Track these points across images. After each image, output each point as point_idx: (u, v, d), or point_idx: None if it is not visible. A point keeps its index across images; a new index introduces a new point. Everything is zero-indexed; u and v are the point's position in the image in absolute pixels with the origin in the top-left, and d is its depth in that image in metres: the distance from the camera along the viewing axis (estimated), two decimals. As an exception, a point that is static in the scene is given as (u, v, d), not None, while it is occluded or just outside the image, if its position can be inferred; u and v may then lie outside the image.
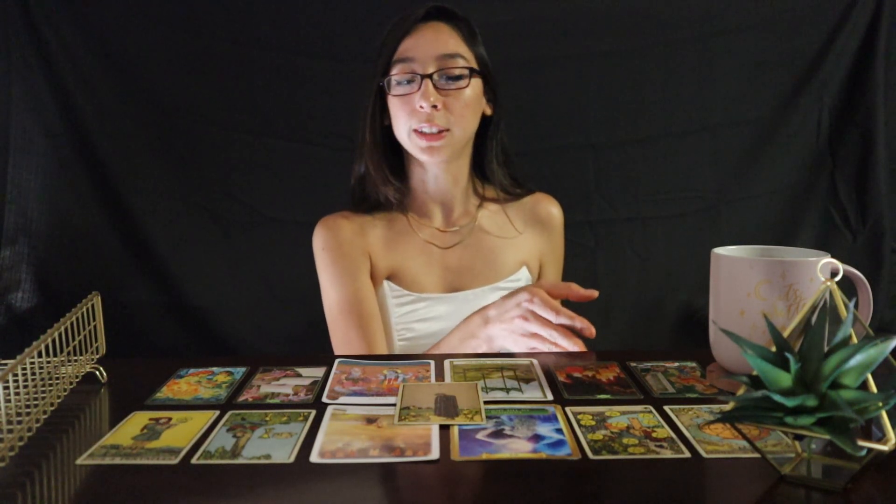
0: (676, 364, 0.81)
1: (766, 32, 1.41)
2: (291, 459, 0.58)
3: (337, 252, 1.06)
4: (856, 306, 0.56)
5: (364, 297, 1.04)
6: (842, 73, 1.42)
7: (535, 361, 0.82)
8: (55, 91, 1.34)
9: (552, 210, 1.16)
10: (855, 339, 0.51)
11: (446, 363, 0.81)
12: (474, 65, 1.03)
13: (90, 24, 1.34)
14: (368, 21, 1.38)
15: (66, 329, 0.72)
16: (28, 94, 1.33)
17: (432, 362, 0.82)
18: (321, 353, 1.07)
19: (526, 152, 1.41)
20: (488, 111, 1.08)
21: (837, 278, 0.56)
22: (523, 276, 1.09)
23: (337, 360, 0.82)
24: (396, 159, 1.09)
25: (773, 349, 0.52)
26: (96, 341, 0.81)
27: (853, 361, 0.49)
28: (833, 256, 0.64)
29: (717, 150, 1.44)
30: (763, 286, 0.68)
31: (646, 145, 1.43)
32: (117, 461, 0.58)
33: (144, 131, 1.38)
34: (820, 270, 0.57)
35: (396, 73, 1.00)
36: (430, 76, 0.98)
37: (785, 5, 1.40)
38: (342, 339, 1.04)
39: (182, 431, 0.63)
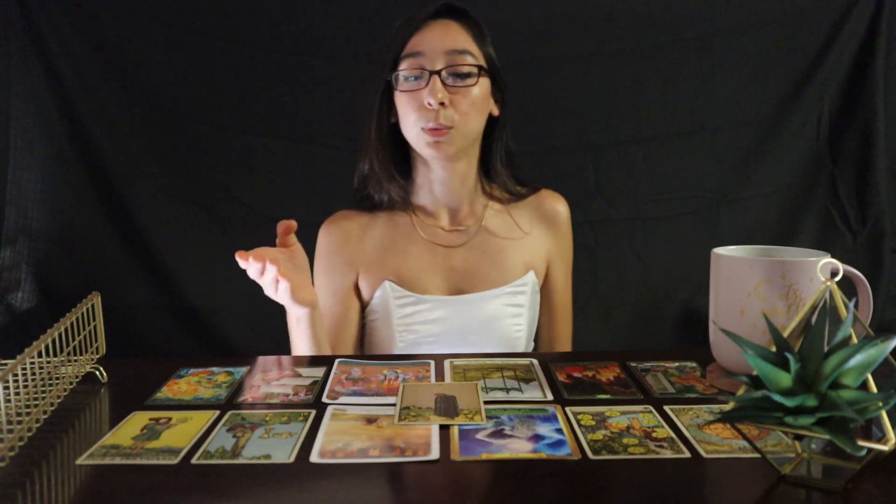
0: (676, 364, 0.81)
1: (765, 32, 1.41)
2: (291, 459, 0.58)
3: (326, 262, 1.09)
4: (856, 306, 0.56)
5: (330, 314, 1.07)
6: (842, 73, 1.41)
7: (534, 361, 0.82)
8: (55, 91, 1.33)
9: (558, 207, 1.15)
10: (855, 339, 0.51)
11: (446, 363, 0.81)
12: (483, 63, 1.02)
13: (90, 24, 1.34)
14: (369, 21, 1.38)
15: (66, 329, 0.72)
16: (28, 94, 1.33)
17: (432, 362, 0.82)
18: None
19: (526, 152, 1.39)
20: (495, 112, 1.07)
21: (837, 278, 0.56)
22: (529, 281, 1.08)
23: (337, 361, 0.83)
24: (402, 157, 1.09)
25: (773, 349, 0.52)
26: (96, 341, 0.81)
27: (853, 361, 0.49)
28: (833, 256, 0.64)
29: (717, 150, 1.44)
30: (763, 286, 0.68)
31: (646, 145, 1.43)
32: (117, 461, 0.58)
33: (144, 131, 1.38)
34: (820, 270, 0.57)
35: (405, 68, 1.00)
36: (438, 73, 0.98)
37: (785, 5, 1.40)
38: None
39: (182, 431, 0.63)
